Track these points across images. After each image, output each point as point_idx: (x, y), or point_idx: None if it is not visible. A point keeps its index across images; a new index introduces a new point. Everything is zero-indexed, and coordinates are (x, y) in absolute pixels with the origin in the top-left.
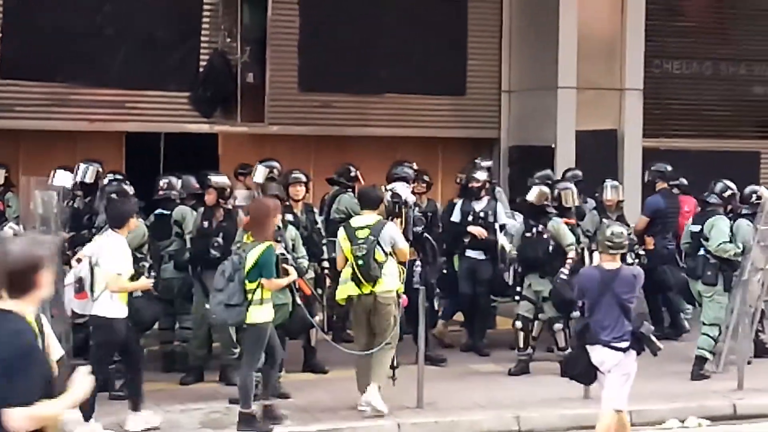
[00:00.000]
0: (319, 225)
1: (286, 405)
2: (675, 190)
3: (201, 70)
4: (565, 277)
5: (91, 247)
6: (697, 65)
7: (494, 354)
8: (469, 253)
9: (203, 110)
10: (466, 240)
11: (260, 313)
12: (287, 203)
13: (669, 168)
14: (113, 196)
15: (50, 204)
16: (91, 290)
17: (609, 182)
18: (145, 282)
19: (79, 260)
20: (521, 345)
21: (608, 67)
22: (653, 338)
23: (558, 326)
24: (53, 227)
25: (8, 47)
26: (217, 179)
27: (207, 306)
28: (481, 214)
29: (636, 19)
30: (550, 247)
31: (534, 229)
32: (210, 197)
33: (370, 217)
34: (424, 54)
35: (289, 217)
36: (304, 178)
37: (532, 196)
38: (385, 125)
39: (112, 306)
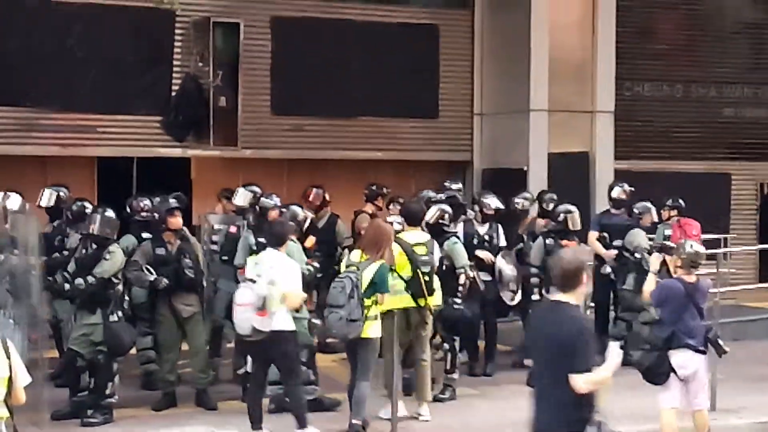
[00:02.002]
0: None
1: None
2: (673, 212)
3: (173, 94)
4: (458, 305)
5: (254, 267)
6: (667, 87)
7: (469, 378)
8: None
9: (176, 134)
10: (472, 263)
11: (374, 328)
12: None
13: None
14: (102, 216)
15: (28, 227)
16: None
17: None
18: (303, 294)
19: (251, 280)
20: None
21: (579, 90)
22: (721, 342)
23: (446, 347)
24: (32, 250)
25: None
26: (183, 202)
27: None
28: (486, 237)
29: (607, 41)
30: (444, 267)
31: None
32: (178, 220)
33: (420, 234)
34: (397, 77)
35: (263, 240)
36: (279, 203)
37: (429, 215)
38: (358, 148)
39: (288, 320)
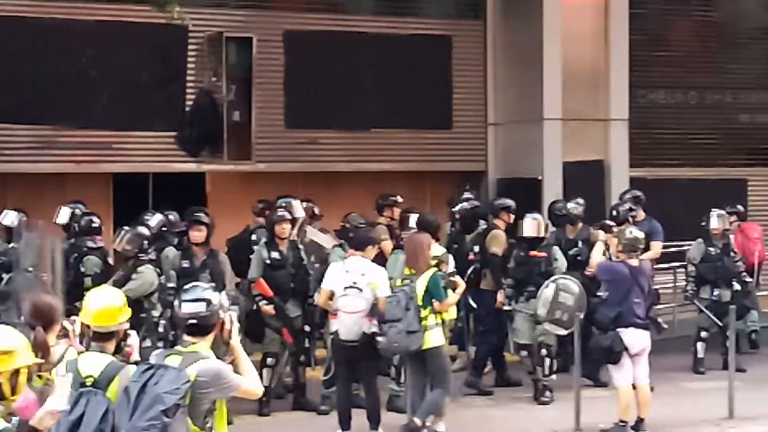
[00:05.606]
0: (306, 262)
1: None
2: (733, 218)
3: (187, 109)
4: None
5: (345, 275)
6: (682, 94)
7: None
8: None
9: (190, 149)
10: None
11: (436, 337)
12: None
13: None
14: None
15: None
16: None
17: (716, 211)
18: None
19: (357, 288)
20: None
21: (593, 98)
22: (659, 320)
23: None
24: (49, 268)
25: None
26: (207, 217)
27: None
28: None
29: (620, 49)
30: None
31: None
32: (200, 234)
33: (437, 247)
34: (410, 88)
35: (275, 255)
36: (289, 216)
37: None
38: (372, 160)
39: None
